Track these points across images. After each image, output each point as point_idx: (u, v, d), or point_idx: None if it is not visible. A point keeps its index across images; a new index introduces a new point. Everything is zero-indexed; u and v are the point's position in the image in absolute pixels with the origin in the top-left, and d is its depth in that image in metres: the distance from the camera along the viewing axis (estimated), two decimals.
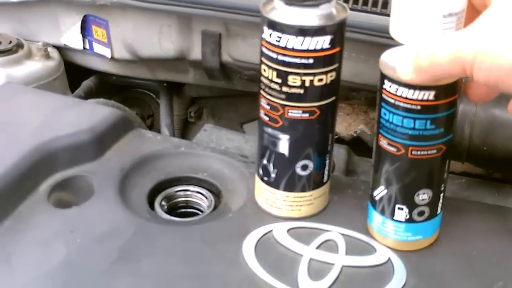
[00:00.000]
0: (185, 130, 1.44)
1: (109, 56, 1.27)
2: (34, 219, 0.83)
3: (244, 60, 1.15)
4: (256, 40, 1.11)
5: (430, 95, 0.70)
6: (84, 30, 1.27)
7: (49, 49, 1.30)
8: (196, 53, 1.20)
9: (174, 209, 0.92)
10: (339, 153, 1.06)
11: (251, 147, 1.07)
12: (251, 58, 1.14)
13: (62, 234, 0.81)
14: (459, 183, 1.02)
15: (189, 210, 0.92)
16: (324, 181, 0.83)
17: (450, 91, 0.71)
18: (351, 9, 1.01)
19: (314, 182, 0.82)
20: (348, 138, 1.12)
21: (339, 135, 1.12)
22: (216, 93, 1.38)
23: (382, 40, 0.96)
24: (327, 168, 0.83)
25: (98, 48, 1.28)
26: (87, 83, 1.38)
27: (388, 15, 0.91)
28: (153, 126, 1.46)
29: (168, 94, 1.39)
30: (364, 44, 1.01)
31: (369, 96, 1.13)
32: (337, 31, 0.75)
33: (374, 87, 0.99)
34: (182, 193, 0.93)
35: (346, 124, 1.13)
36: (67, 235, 0.81)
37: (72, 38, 1.28)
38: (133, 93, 1.47)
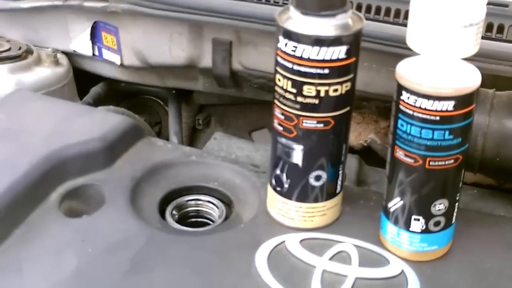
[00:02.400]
0: (193, 138, 1.43)
1: (118, 62, 1.27)
2: (45, 228, 0.83)
3: (255, 68, 1.15)
4: (267, 48, 1.11)
5: (449, 105, 0.69)
6: (94, 36, 1.27)
7: (59, 55, 1.29)
8: (206, 61, 1.19)
9: (185, 218, 0.91)
10: (350, 163, 1.05)
11: (261, 156, 1.07)
12: (262, 66, 1.13)
13: (73, 244, 0.80)
14: (471, 193, 1.02)
15: (200, 219, 0.92)
16: (337, 191, 0.83)
17: (468, 101, 0.71)
18: (372, 20, 1.02)
19: (327, 192, 0.82)
20: (359, 147, 1.12)
21: (349, 144, 1.11)
22: (225, 101, 1.38)
23: (394, 50, 0.96)
24: (340, 178, 0.82)
25: (107, 54, 1.28)
26: (95, 90, 1.37)
27: (401, 24, 0.91)
28: (161, 133, 1.46)
29: (177, 101, 1.39)
30: (376, 54, 1.00)
31: (380, 106, 1.12)
32: (353, 42, 0.74)
33: (386, 97, 0.99)
34: (193, 202, 0.92)
35: (357, 133, 1.12)
36: (78, 245, 0.80)
37: (81, 44, 1.28)
38: (141, 99, 1.46)
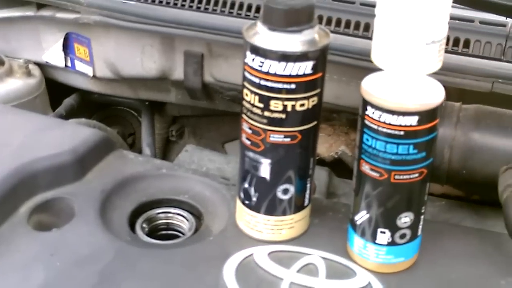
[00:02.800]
0: (166, 149, 1.44)
1: (91, 74, 1.27)
2: (14, 242, 0.82)
3: (226, 80, 1.16)
4: (238, 61, 1.12)
5: (413, 120, 0.71)
6: (66, 47, 1.27)
7: (31, 66, 1.29)
8: (178, 73, 1.20)
9: (155, 231, 0.91)
10: (320, 175, 1.07)
11: (232, 169, 1.07)
12: (233, 79, 1.14)
13: (41, 258, 0.80)
14: (439, 205, 1.03)
15: (170, 232, 0.92)
16: (305, 204, 0.84)
17: (432, 116, 0.72)
18: (333, 32, 1.03)
19: (295, 205, 0.82)
20: (329, 159, 1.13)
21: (320, 156, 1.12)
22: (198, 112, 1.38)
23: (364, 64, 0.97)
24: (308, 191, 0.83)
25: (80, 66, 1.28)
26: (68, 101, 1.37)
27: (370, 38, 0.92)
28: (135, 144, 1.46)
29: (150, 113, 1.39)
30: (346, 67, 1.02)
31: (350, 118, 1.14)
32: (320, 57, 0.75)
33: (356, 109, 0.99)
34: (163, 215, 0.92)
35: (327, 145, 1.13)
36: (47, 259, 0.80)
37: (54, 55, 1.28)
38: (114, 111, 1.46)
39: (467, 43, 0.98)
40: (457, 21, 1.00)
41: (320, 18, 1.04)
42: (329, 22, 1.04)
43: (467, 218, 1.00)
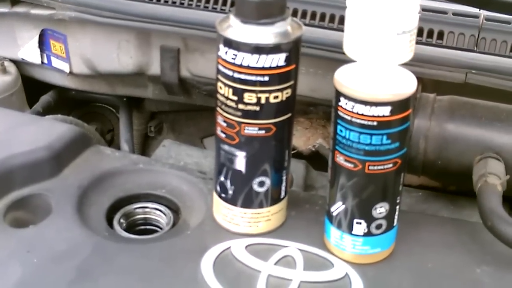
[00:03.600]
0: (145, 145, 1.43)
1: (67, 71, 1.26)
2: None
3: (202, 75, 1.16)
4: (215, 55, 1.12)
5: (386, 111, 0.71)
6: (42, 44, 1.26)
7: (6, 63, 1.28)
8: (155, 68, 1.19)
9: (133, 226, 0.91)
10: (297, 168, 1.07)
11: (210, 163, 1.07)
12: (210, 73, 1.14)
13: (18, 254, 0.80)
14: (416, 196, 1.03)
15: (148, 227, 0.92)
16: (282, 197, 0.84)
17: (405, 106, 0.72)
18: (308, 25, 1.04)
19: (271, 198, 0.82)
20: (307, 152, 1.13)
21: (298, 150, 1.12)
22: (176, 108, 1.38)
23: (340, 56, 0.97)
24: (284, 184, 0.83)
25: (56, 62, 1.28)
26: (45, 98, 1.36)
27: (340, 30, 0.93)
28: (113, 141, 1.45)
29: (128, 109, 1.39)
30: (322, 60, 1.02)
31: (327, 111, 1.14)
32: (293, 49, 0.75)
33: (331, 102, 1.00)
34: (140, 210, 0.92)
35: (305, 138, 1.13)
36: (23, 255, 0.80)
37: (29, 52, 1.27)
38: (92, 107, 1.46)
39: (441, 35, 0.99)
40: (430, 12, 1.01)
41: (295, 11, 1.04)
42: (304, 15, 1.04)
43: (444, 209, 1.01)
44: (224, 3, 1.09)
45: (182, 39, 1.15)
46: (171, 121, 1.42)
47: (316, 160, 1.12)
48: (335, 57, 0.99)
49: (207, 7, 1.09)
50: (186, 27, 1.09)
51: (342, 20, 1.01)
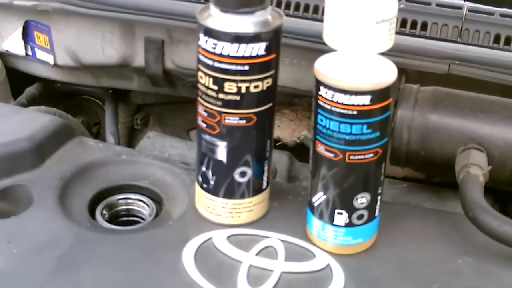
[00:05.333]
0: (131, 138, 1.43)
1: (52, 62, 1.26)
2: None
3: (187, 66, 1.15)
4: None
5: (366, 99, 0.71)
6: (26, 36, 1.26)
7: None
8: (139, 60, 1.19)
9: (115, 217, 0.91)
10: (281, 159, 1.07)
11: (194, 155, 1.06)
12: (194, 65, 1.12)
13: None
14: (400, 187, 1.03)
15: (131, 218, 0.91)
16: (264, 187, 0.84)
17: (385, 95, 0.72)
18: (292, 16, 1.03)
19: (253, 188, 0.82)
20: (292, 144, 1.13)
21: (283, 141, 1.12)
22: (162, 100, 1.37)
23: (323, 47, 0.97)
24: (266, 174, 0.83)
25: (40, 54, 1.27)
26: (30, 90, 1.35)
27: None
28: (100, 134, 1.45)
29: (114, 101, 1.38)
30: (305, 51, 1.01)
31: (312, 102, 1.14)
32: (273, 38, 0.75)
33: None
34: (123, 201, 0.92)
35: (290, 130, 1.13)
36: (4, 246, 0.79)
37: (13, 44, 1.26)
38: (78, 100, 1.45)
39: (424, 26, 0.99)
40: (414, 4, 1.01)
41: (279, 2, 1.04)
42: (288, 6, 1.04)
43: (427, 200, 1.01)
44: None
45: (166, 31, 1.14)
46: (157, 114, 1.41)
47: (301, 151, 1.12)
48: (319, 48, 0.98)
49: None
50: (170, 18, 1.08)
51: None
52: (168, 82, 1.22)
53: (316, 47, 0.99)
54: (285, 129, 1.13)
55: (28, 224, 0.83)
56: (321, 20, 0.99)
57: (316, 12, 1.03)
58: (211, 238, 0.81)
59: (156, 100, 1.39)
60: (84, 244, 0.80)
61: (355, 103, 0.71)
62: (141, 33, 1.16)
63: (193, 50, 1.13)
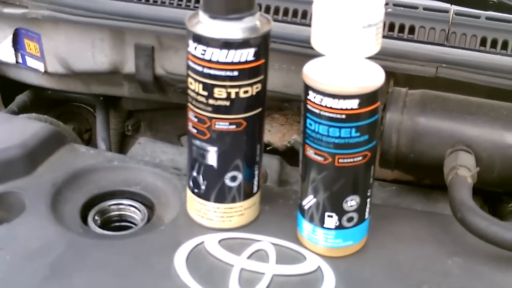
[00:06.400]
0: (122, 144, 1.43)
1: (42, 70, 1.26)
2: None
3: (177, 73, 1.16)
4: None
5: (354, 103, 0.72)
6: (17, 43, 1.26)
7: None
8: (129, 66, 1.19)
9: (108, 223, 0.91)
10: (271, 163, 1.07)
11: (185, 160, 1.06)
12: (184, 71, 1.13)
13: None
14: (390, 190, 1.04)
15: (123, 223, 0.92)
16: (254, 191, 0.84)
17: (373, 99, 0.73)
18: (280, 21, 1.04)
19: (244, 193, 0.83)
20: (282, 148, 1.13)
21: (273, 145, 1.13)
22: (153, 106, 1.38)
23: (312, 52, 0.98)
24: (256, 178, 0.84)
25: (31, 62, 1.27)
26: (21, 98, 1.35)
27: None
28: (91, 140, 1.45)
29: (105, 107, 1.38)
30: (295, 56, 1.02)
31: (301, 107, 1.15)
32: (261, 44, 0.76)
33: None
34: (115, 207, 0.92)
35: (280, 134, 1.14)
36: None
37: (4, 52, 1.27)
38: (70, 107, 1.45)
39: (412, 29, 1.00)
40: (402, 8, 1.02)
41: (268, 8, 1.05)
42: (276, 11, 1.05)
43: (417, 202, 1.01)
44: (197, 1, 1.09)
45: (156, 37, 1.15)
46: (148, 120, 1.42)
47: (292, 155, 1.13)
48: (308, 53, 0.99)
49: (180, 5, 1.10)
50: (159, 24, 1.09)
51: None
52: (159, 88, 1.22)
53: (305, 51, 0.99)
54: (276, 133, 1.14)
55: (21, 231, 0.84)
56: (310, 25, 1.01)
57: (305, 17, 1.03)
58: (202, 242, 0.82)
59: (147, 106, 1.39)
60: (76, 250, 0.81)
61: (344, 107, 0.72)
62: (131, 39, 1.16)
63: (183, 56, 1.13)
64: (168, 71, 1.17)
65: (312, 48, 0.95)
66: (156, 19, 1.08)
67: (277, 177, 1.05)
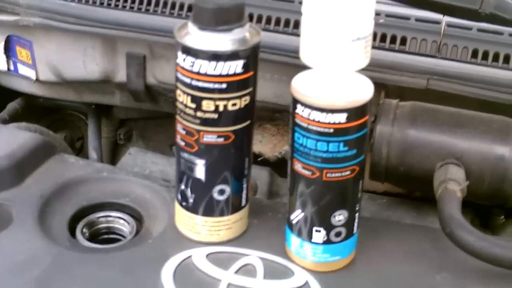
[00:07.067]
0: (114, 153, 1.42)
1: (34, 78, 1.25)
2: None
3: (168, 82, 1.15)
4: None
5: (342, 117, 0.71)
6: (8, 51, 1.25)
7: None
8: (121, 75, 1.19)
9: (96, 235, 0.90)
10: (261, 175, 1.06)
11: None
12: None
13: None
14: (380, 203, 1.03)
15: (111, 236, 0.91)
16: (243, 205, 0.84)
17: (361, 113, 0.72)
18: (272, 31, 1.03)
19: (232, 206, 0.82)
20: (273, 159, 1.13)
21: (264, 156, 1.12)
22: (145, 115, 1.37)
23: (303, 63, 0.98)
24: (245, 192, 0.83)
25: (22, 69, 1.26)
26: (12, 105, 1.34)
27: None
28: (83, 149, 1.44)
29: (96, 116, 1.37)
30: (286, 66, 1.01)
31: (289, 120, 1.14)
32: (251, 55, 0.75)
33: None
34: (104, 219, 0.91)
35: (271, 145, 1.13)
36: None
37: None
38: (61, 115, 1.44)
39: (403, 40, 0.99)
40: (394, 18, 1.01)
41: (260, 17, 1.04)
42: (268, 21, 1.04)
43: (407, 215, 1.00)
44: (190, 10, 1.09)
45: (148, 46, 1.14)
46: (140, 129, 1.41)
47: (282, 166, 1.12)
48: (299, 63, 0.99)
49: (172, 14, 1.09)
50: (151, 33, 1.08)
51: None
52: (150, 97, 1.21)
53: (297, 62, 0.99)
54: (267, 144, 1.13)
55: (6, 244, 0.83)
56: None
57: (297, 27, 1.03)
58: (190, 256, 0.81)
59: (139, 115, 1.39)
60: (63, 264, 0.80)
61: (331, 121, 0.71)
62: (122, 48, 1.16)
63: (174, 65, 1.14)
64: (159, 80, 1.16)
65: None
66: (148, 28, 1.07)
67: (267, 189, 1.04)
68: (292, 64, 1.00)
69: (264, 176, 1.06)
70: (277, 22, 1.04)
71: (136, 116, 1.39)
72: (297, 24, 1.04)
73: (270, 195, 1.04)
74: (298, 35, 1.01)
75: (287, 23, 1.04)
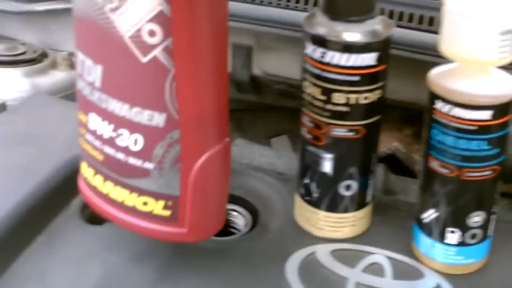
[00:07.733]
0: None
1: None
2: (68, 235, 0.81)
3: (275, 73, 1.13)
4: (288, 54, 1.09)
5: (487, 114, 0.67)
6: None
7: (74, 58, 1.27)
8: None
9: None
10: (376, 171, 1.03)
11: (284, 163, 1.04)
12: (282, 72, 1.11)
13: (96, 252, 0.79)
14: (502, 204, 0.99)
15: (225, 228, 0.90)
16: (367, 201, 0.81)
17: (506, 110, 0.69)
18: (404, 27, 0.99)
19: (357, 202, 0.80)
20: (381, 155, 1.09)
21: None
22: (243, 107, 1.36)
23: (420, 57, 0.94)
24: (370, 188, 0.80)
25: None
26: None
27: (434, 32, 0.89)
28: None
29: None
30: (401, 60, 0.98)
31: (404, 113, 1.10)
32: (383, 48, 0.72)
33: (411, 104, 0.96)
34: None
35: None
36: (102, 253, 0.78)
37: None
38: None
39: None
40: None
41: (382, 11, 1.01)
42: (391, 15, 1.00)
43: None
44: (297, 1, 1.06)
45: (255, 37, 1.12)
46: (237, 120, 1.40)
47: (391, 163, 1.09)
48: (415, 58, 0.95)
49: (280, 4, 1.07)
50: (260, 24, 1.06)
51: (431, 21, 0.96)
52: (254, 88, 1.20)
53: (414, 56, 0.95)
54: None
55: (124, 231, 0.82)
56: (426, 31, 0.96)
57: (421, 23, 0.98)
58: (314, 252, 0.79)
59: (237, 106, 1.37)
60: (183, 254, 0.78)
61: (475, 118, 0.68)
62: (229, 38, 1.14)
63: (282, 57, 1.12)
64: (265, 71, 1.14)
65: (423, 53, 0.91)
66: (257, 18, 1.05)
67: (382, 186, 1.01)
68: (409, 58, 0.97)
69: (379, 173, 1.02)
70: (400, 17, 1.01)
71: (234, 107, 1.37)
72: (421, 19, 0.99)
73: (386, 192, 1.00)
74: (414, 28, 0.98)
75: (411, 18, 1.00)
